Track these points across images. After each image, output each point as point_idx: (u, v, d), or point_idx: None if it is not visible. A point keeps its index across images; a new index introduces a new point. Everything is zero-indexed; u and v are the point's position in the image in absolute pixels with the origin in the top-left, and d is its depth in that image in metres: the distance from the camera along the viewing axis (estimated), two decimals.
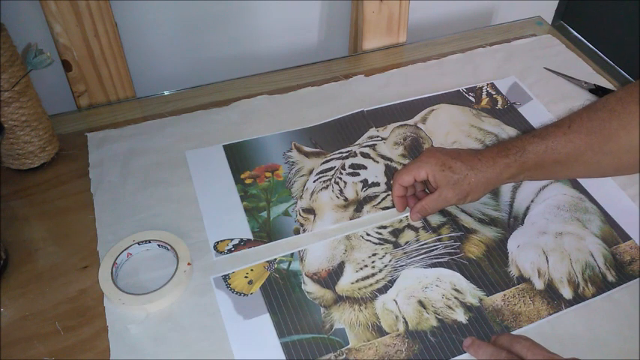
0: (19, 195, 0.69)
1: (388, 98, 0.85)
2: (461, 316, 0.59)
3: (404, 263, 0.63)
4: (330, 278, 0.62)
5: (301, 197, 0.70)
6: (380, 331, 0.58)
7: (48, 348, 0.55)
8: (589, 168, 0.60)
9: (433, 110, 0.84)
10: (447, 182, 0.62)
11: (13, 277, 0.61)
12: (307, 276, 0.62)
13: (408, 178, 0.64)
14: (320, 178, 0.73)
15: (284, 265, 0.63)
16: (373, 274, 0.62)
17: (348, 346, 0.56)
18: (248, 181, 0.72)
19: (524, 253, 0.65)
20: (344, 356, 0.55)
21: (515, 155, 0.60)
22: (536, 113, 0.84)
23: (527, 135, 0.61)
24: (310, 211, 0.69)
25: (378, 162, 0.75)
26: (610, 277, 0.63)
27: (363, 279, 0.62)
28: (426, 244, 0.65)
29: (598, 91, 0.87)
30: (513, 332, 0.58)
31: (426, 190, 0.69)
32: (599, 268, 0.64)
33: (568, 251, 0.65)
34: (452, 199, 0.63)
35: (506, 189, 0.72)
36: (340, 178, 0.72)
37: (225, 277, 0.61)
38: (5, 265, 0.61)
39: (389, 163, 0.75)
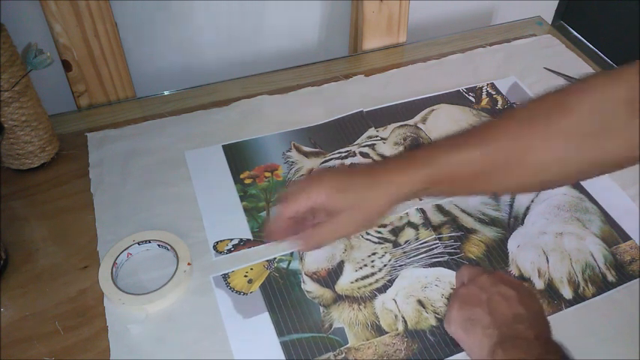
0: (19, 195, 0.69)
1: (388, 98, 0.85)
2: None
3: (403, 263, 0.63)
4: (329, 277, 0.62)
5: None
6: (379, 331, 0.58)
7: (48, 348, 0.55)
8: (507, 180, 0.53)
9: (433, 110, 0.84)
10: (343, 208, 0.51)
11: (13, 277, 0.61)
12: (307, 275, 0.62)
13: (296, 208, 0.52)
14: None
15: (283, 264, 0.63)
16: (373, 274, 0.62)
17: (347, 346, 0.56)
18: (247, 181, 0.72)
19: (524, 253, 0.65)
20: (343, 355, 0.55)
21: (424, 169, 0.51)
22: None
23: (439, 147, 0.53)
24: None
25: None
26: (610, 277, 0.63)
27: (363, 278, 0.62)
28: (425, 243, 0.65)
29: None
30: None
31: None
32: (599, 268, 0.64)
33: (568, 251, 0.65)
34: (350, 227, 0.53)
35: None
36: None
37: (225, 276, 0.61)
38: (5, 265, 0.61)
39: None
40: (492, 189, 0.60)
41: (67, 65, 0.78)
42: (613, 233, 0.68)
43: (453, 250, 0.65)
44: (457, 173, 0.51)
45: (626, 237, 0.67)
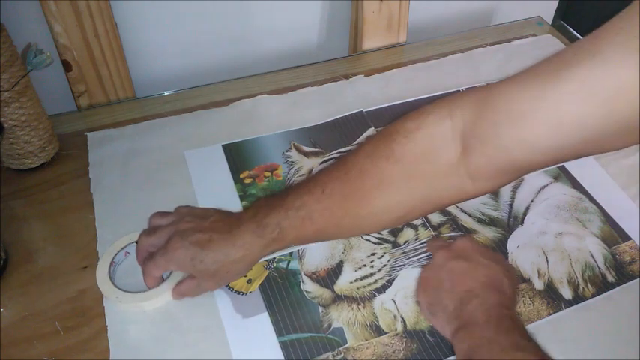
0: (19, 195, 0.69)
1: (388, 98, 0.85)
2: None
3: (402, 263, 0.63)
4: (328, 277, 0.62)
5: None
6: (378, 331, 0.58)
7: (48, 348, 0.55)
8: (351, 231, 0.59)
9: None
10: (203, 274, 0.55)
11: (13, 277, 0.61)
12: (306, 275, 0.62)
13: (158, 273, 0.57)
14: None
15: (283, 264, 0.63)
16: (372, 274, 0.62)
17: (346, 345, 0.56)
18: (247, 181, 0.72)
19: (523, 253, 0.65)
20: (342, 355, 0.55)
21: (272, 234, 0.53)
22: None
23: (283, 208, 0.54)
24: None
25: None
26: (610, 277, 0.63)
27: (362, 278, 0.62)
28: (425, 243, 0.65)
29: None
30: None
31: None
32: (599, 268, 0.64)
33: (568, 251, 0.65)
34: (214, 287, 0.58)
35: (505, 189, 0.72)
36: None
37: None
38: (5, 265, 0.61)
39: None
40: (338, 237, 0.63)
41: (67, 65, 0.78)
42: (613, 233, 0.68)
43: None
44: (301, 233, 0.54)
45: (625, 237, 0.67)
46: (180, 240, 0.54)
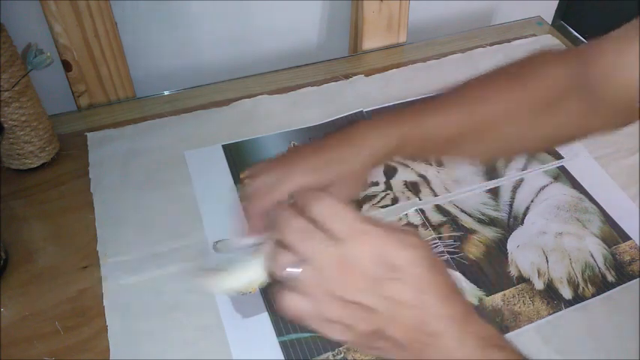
0: (19, 195, 0.69)
1: (388, 98, 0.85)
2: None
3: None
4: None
5: None
6: None
7: (48, 348, 0.55)
8: (473, 150, 0.55)
9: None
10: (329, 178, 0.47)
11: (13, 277, 0.61)
12: None
13: (266, 205, 0.46)
14: None
15: None
16: None
17: (346, 345, 0.56)
18: (247, 181, 0.72)
19: (523, 253, 0.65)
20: (342, 355, 0.55)
21: (400, 128, 0.49)
22: None
23: (413, 107, 0.51)
24: None
25: None
26: (610, 277, 0.63)
27: None
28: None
29: None
30: (513, 332, 0.58)
31: None
32: (598, 268, 0.64)
33: (568, 251, 0.65)
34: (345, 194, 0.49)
35: (506, 189, 0.72)
36: None
37: None
38: (5, 265, 0.61)
39: (388, 162, 0.75)
40: (460, 153, 0.59)
41: (67, 65, 0.78)
42: (613, 233, 0.68)
43: (452, 250, 0.65)
44: (432, 135, 0.50)
45: (625, 237, 0.67)
46: (290, 164, 0.48)
